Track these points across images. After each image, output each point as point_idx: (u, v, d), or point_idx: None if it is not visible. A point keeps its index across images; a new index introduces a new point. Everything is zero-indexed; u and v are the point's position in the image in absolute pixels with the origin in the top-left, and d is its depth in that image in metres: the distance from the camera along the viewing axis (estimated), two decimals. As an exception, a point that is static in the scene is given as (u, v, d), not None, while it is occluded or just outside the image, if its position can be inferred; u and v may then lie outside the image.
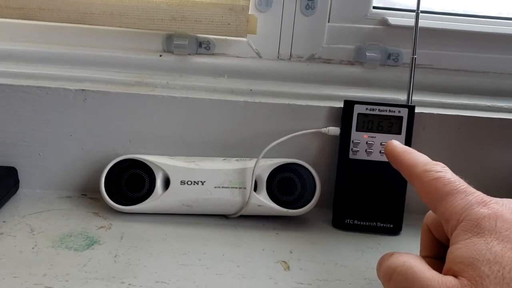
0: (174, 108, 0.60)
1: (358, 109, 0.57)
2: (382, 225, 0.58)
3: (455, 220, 0.35)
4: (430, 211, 0.41)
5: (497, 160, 0.62)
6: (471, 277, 0.31)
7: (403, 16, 0.66)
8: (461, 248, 0.33)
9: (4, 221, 0.54)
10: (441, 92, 0.67)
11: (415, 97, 0.64)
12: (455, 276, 0.32)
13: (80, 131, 0.60)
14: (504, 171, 0.62)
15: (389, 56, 0.67)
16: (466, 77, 0.68)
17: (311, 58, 0.67)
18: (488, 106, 0.65)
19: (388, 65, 0.67)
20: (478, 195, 0.36)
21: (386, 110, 0.57)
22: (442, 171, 0.38)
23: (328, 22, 0.66)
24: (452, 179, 0.37)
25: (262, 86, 0.64)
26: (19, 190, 0.61)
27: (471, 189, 0.36)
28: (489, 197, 0.35)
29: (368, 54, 0.66)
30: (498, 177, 0.62)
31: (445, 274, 0.33)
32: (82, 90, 0.59)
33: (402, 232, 0.58)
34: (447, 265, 0.34)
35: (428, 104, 0.64)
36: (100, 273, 0.46)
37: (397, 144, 0.43)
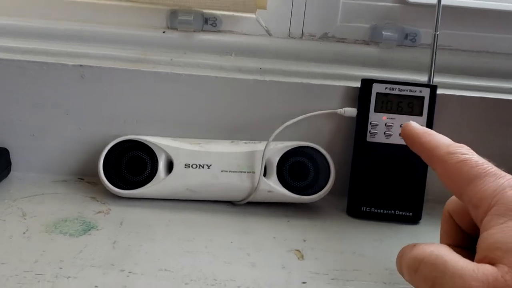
0: (178, 86, 0.56)
1: (376, 88, 0.53)
2: (400, 213, 0.54)
3: (486, 205, 0.31)
4: (452, 197, 0.37)
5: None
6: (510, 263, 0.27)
7: (421, -6, 0.62)
8: (496, 233, 0.30)
9: (-7, 205, 0.50)
10: (462, 73, 0.63)
11: (436, 79, 0.60)
12: (492, 264, 0.29)
13: (77, 109, 0.56)
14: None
15: (406, 36, 0.63)
16: (487, 58, 0.64)
17: (324, 37, 0.63)
18: (511, 88, 0.61)
19: (405, 46, 0.64)
20: (511, 177, 0.32)
21: (406, 90, 0.53)
22: (467, 153, 0.35)
23: (343, -2, 0.62)
24: (480, 161, 0.34)
25: (272, 64, 0.61)
26: (11, 173, 0.57)
27: (502, 172, 0.33)
28: None
29: (385, 33, 0.62)
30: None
31: (480, 262, 0.29)
32: (80, 65, 0.55)
33: (422, 221, 0.55)
34: (481, 253, 0.30)
35: (448, 86, 0.61)
36: (98, 260, 0.42)
37: (415, 125, 0.39)
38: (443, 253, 0.31)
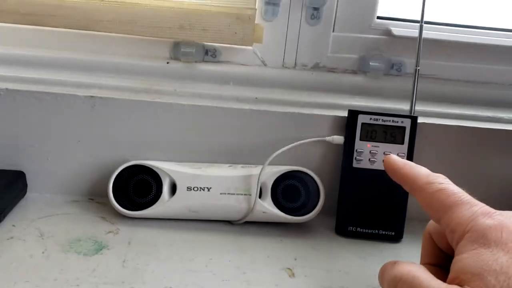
0: (181, 115, 0.61)
1: (362, 118, 0.58)
2: (384, 232, 0.59)
3: (461, 231, 0.36)
4: (432, 220, 0.42)
5: (498, 170, 0.63)
6: (478, 287, 0.32)
7: (407, 27, 0.67)
8: (467, 258, 0.34)
9: (13, 225, 0.55)
10: (444, 101, 0.68)
11: (418, 107, 0.65)
12: (461, 285, 0.33)
13: (88, 137, 0.61)
14: (506, 181, 0.63)
15: (392, 66, 0.69)
16: (468, 87, 0.69)
17: (316, 67, 0.68)
18: (489, 116, 0.66)
19: (392, 75, 0.69)
20: (483, 206, 0.37)
21: (389, 120, 0.58)
22: (444, 182, 0.40)
23: (333, 31, 0.67)
24: (455, 190, 0.39)
25: (267, 94, 0.65)
26: (27, 194, 0.62)
27: (475, 201, 0.38)
28: (492, 209, 0.36)
29: (372, 63, 0.67)
30: (501, 187, 0.64)
31: (450, 283, 0.34)
32: (91, 96, 0.60)
33: (403, 239, 0.60)
34: (452, 274, 0.35)
35: (431, 114, 0.66)
36: (110, 278, 0.47)
37: (396, 158, 0.44)
38: (419, 274, 0.36)
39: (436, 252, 0.42)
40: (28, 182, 0.62)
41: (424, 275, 0.36)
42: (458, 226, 0.36)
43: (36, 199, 0.62)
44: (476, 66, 0.69)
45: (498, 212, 0.36)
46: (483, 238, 0.34)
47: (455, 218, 0.37)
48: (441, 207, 0.38)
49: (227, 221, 0.60)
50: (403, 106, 0.65)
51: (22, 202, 0.60)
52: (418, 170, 0.42)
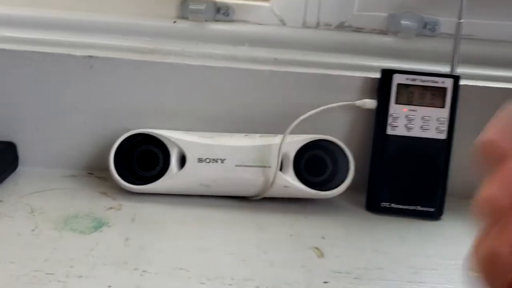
0: (190, 77, 0.54)
1: (397, 79, 0.51)
2: (422, 208, 0.52)
3: None
4: None
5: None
6: None
7: (442, -20, 0.60)
8: None
9: (1, 200, 0.49)
10: (484, 64, 0.61)
11: (459, 70, 0.58)
12: None
13: (85, 102, 0.55)
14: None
15: (425, 25, 0.61)
16: (509, 48, 0.62)
17: (340, 26, 0.61)
18: (538, 79, 0.58)
19: (425, 35, 0.61)
20: None
21: (428, 81, 0.51)
22: None
23: (360, -14, 0.60)
24: None
25: (287, 55, 0.59)
26: (19, 168, 0.56)
27: None
28: None
29: (403, 22, 0.60)
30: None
31: None
32: (89, 56, 0.53)
33: (444, 216, 0.53)
34: None
35: (471, 77, 0.58)
36: (110, 258, 0.40)
37: None
38: None
39: None
40: (20, 155, 0.56)
41: None
42: None
43: (28, 173, 0.55)
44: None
45: None
46: None
47: None
48: None
49: (243, 197, 0.53)
50: (439, 69, 0.58)
51: (13, 176, 0.54)
52: None
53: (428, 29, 0.62)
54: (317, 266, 0.42)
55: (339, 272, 0.41)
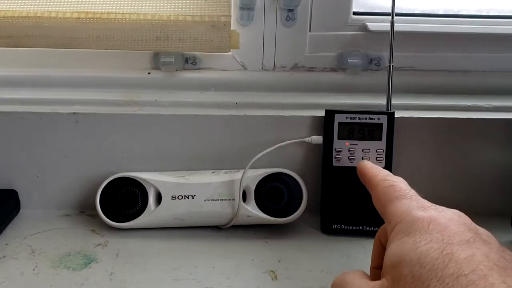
0: (162, 125, 0.62)
1: (338, 118, 0.59)
2: (368, 228, 0.60)
3: (395, 222, 0.36)
4: (383, 225, 0.42)
5: (478, 159, 0.63)
6: (391, 278, 0.32)
7: (382, 21, 0.67)
8: (391, 248, 0.34)
9: (6, 244, 0.57)
10: (425, 93, 0.69)
11: (400, 101, 0.65)
12: (383, 277, 0.33)
13: (74, 152, 0.63)
14: (485, 170, 0.64)
15: (371, 61, 0.69)
16: (448, 77, 0.69)
17: (295, 67, 0.69)
18: (469, 106, 0.66)
19: (371, 70, 0.69)
20: (422, 201, 0.37)
21: (366, 118, 0.59)
22: (398, 181, 0.41)
23: (309, 31, 0.67)
24: (404, 188, 0.39)
25: (248, 98, 0.66)
26: (21, 211, 0.64)
27: (419, 197, 0.38)
28: (432, 204, 0.36)
29: (350, 60, 0.68)
30: (480, 177, 0.64)
31: (381, 277, 0.34)
32: (74, 113, 0.61)
33: (388, 234, 0.60)
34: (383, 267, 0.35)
35: (412, 107, 0.66)
36: (97, 292, 0.49)
37: (367, 162, 0.46)
38: (347, 277, 0.37)
39: (383, 255, 0.42)
40: (21, 199, 0.64)
41: (351, 277, 0.37)
42: (393, 217, 0.36)
43: (29, 215, 0.63)
44: (454, 55, 0.69)
45: (435, 206, 0.36)
46: (410, 228, 0.34)
47: (393, 210, 0.37)
48: (386, 200, 0.39)
49: (215, 226, 0.61)
50: (384, 101, 0.65)
51: (16, 220, 0.62)
52: (380, 170, 0.43)
53: (373, 64, 0.69)
54: None
55: (288, 292, 0.49)
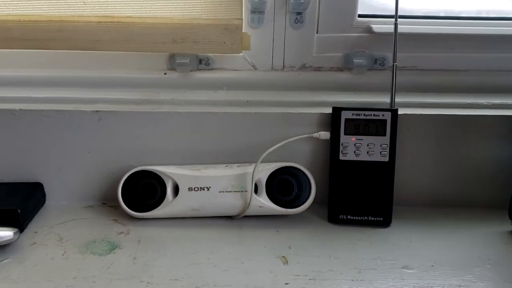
0: (179, 122, 0.66)
1: (345, 115, 0.63)
2: (373, 218, 0.64)
3: None
4: None
5: (478, 154, 0.67)
6: None
7: (386, 23, 0.71)
8: None
9: (35, 232, 0.61)
10: (428, 91, 0.72)
11: (403, 99, 0.69)
12: None
13: (97, 147, 0.67)
14: (484, 164, 0.67)
15: (375, 61, 0.73)
16: (449, 76, 0.73)
17: (303, 67, 0.73)
18: (469, 103, 0.69)
19: (376, 69, 0.73)
20: None
21: (370, 115, 0.63)
22: None
23: (317, 33, 0.71)
24: None
25: (258, 96, 0.70)
26: (46, 203, 0.68)
27: None
28: None
29: (356, 60, 0.71)
30: (479, 170, 0.68)
31: None
32: (97, 111, 0.65)
33: (393, 224, 0.64)
34: None
35: (414, 105, 0.70)
36: (122, 274, 0.53)
37: None
38: None
39: None
40: (46, 192, 0.68)
41: None
42: None
43: (55, 206, 0.68)
44: (455, 55, 0.72)
45: None
46: None
47: None
48: None
49: (228, 217, 0.65)
50: (388, 99, 0.69)
51: (42, 210, 0.67)
52: None
53: (378, 64, 0.73)
54: (282, 271, 0.54)
55: (298, 275, 0.53)
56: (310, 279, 0.53)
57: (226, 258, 0.56)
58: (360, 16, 0.72)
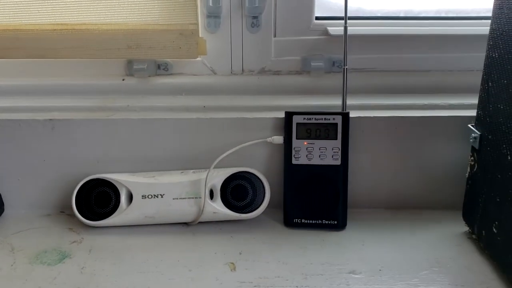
0: (132, 129, 0.66)
1: (296, 119, 0.63)
2: (327, 222, 0.64)
3: None
4: None
5: (433, 156, 0.67)
6: None
7: (343, 25, 0.70)
8: None
9: (-11, 242, 0.62)
10: (387, 93, 0.72)
11: (361, 101, 0.69)
12: None
13: (52, 156, 0.67)
14: (439, 166, 0.67)
15: (333, 63, 0.72)
16: (408, 77, 0.73)
17: (262, 71, 0.72)
18: (425, 104, 0.69)
19: (334, 72, 0.73)
20: None
21: (322, 119, 0.62)
22: None
23: (274, 36, 0.71)
24: None
25: (216, 101, 0.70)
26: (5, 212, 0.69)
27: None
28: None
29: (313, 63, 0.71)
30: (435, 172, 0.67)
31: None
32: (50, 119, 0.65)
33: (348, 227, 0.64)
34: None
35: (372, 107, 0.69)
36: (68, 285, 0.53)
37: None
38: None
39: None
40: (5, 201, 0.69)
41: None
42: None
43: (13, 215, 0.68)
44: (414, 56, 0.72)
45: None
46: None
47: None
48: None
49: (184, 223, 0.65)
50: (347, 101, 0.69)
51: (0, 220, 0.67)
52: None
53: (336, 66, 0.73)
54: (228, 278, 0.54)
55: (244, 282, 0.53)
56: (255, 286, 0.53)
57: (174, 266, 0.56)
58: (317, 18, 0.72)
